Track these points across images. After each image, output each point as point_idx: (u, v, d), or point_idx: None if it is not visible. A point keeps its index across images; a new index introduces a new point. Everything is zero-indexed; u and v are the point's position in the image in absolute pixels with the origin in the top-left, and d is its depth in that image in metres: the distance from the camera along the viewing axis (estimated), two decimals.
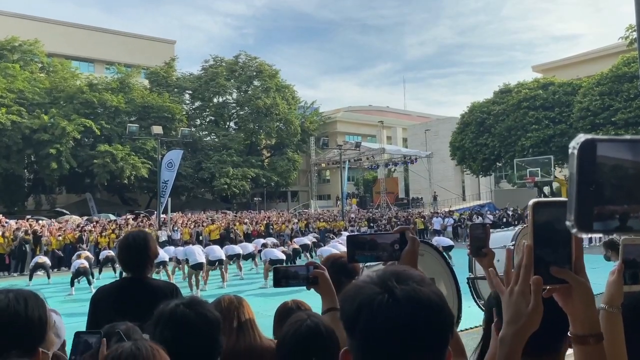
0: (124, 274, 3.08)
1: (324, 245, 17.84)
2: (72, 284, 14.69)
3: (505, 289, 1.04)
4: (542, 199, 1.00)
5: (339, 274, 2.23)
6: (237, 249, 16.46)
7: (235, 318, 2.27)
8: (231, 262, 16.19)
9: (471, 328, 5.01)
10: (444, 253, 3.61)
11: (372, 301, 0.87)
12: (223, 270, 15.08)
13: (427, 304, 0.88)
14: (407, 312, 0.86)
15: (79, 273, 14.78)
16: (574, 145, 0.82)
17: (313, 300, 2.32)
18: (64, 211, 36.71)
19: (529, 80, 38.71)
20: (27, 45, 44.00)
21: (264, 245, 17.86)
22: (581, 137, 0.82)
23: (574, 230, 0.81)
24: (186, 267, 14.88)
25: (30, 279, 16.93)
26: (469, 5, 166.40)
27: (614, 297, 1.20)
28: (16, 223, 23.70)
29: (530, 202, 0.98)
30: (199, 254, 14.05)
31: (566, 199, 0.98)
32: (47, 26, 52.65)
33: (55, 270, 19.49)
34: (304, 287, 1.88)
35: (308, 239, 20.07)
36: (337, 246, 15.21)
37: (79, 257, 15.67)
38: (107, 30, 59.29)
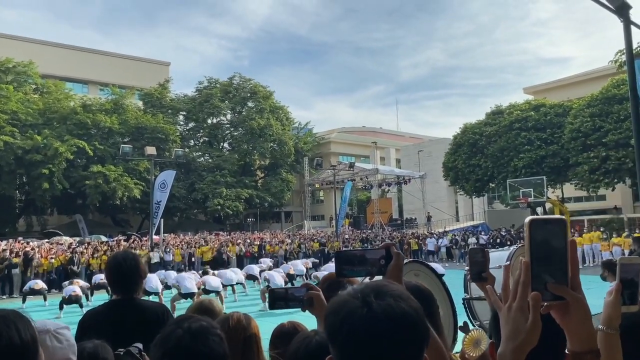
0: (114, 296, 3.01)
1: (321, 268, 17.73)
2: (60, 307, 14.36)
3: (504, 306, 1.05)
4: (538, 216, 1.01)
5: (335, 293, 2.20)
6: (232, 276, 16.30)
7: (242, 339, 2.19)
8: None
9: None
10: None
11: (352, 315, 0.97)
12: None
13: (402, 318, 0.96)
14: (383, 326, 0.95)
15: (70, 300, 14.33)
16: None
17: (308, 323, 2.29)
18: (58, 232, 36.37)
19: (521, 101, 39.14)
20: (22, 66, 44.09)
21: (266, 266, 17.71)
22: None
23: None
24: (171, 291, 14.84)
25: (24, 301, 16.64)
26: (460, 29, 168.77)
27: (612, 317, 1.19)
28: (6, 244, 23.43)
29: (527, 220, 0.99)
30: (190, 281, 13.87)
31: (561, 217, 1.00)
32: (41, 48, 52.88)
33: (47, 292, 19.22)
34: (300, 309, 1.87)
35: (302, 264, 19.77)
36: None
37: (71, 283, 15.36)
38: (102, 52, 59.62)
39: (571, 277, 0.98)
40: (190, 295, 13.53)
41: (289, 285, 17.09)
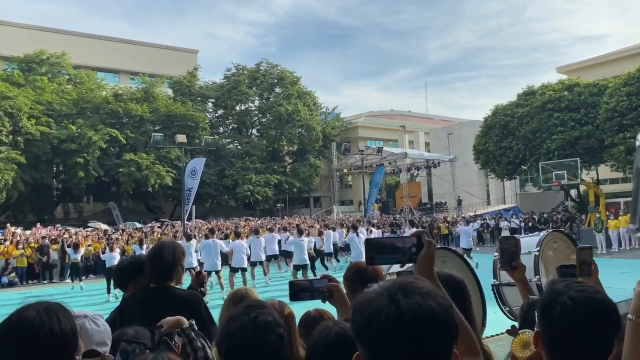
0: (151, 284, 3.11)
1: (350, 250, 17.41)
2: (109, 290, 14.16)
3: None
4: None
5: (364, 283, 2.22)
6: (262, 254, 16.22)
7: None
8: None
9: (497, 335, 4.93)
10: (467, 258, 3.57)
11: (380, 313, 0.97)
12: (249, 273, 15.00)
13: (430, 317, 0.96)
14: (411, 325, 0.95)
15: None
16: None
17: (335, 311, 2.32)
18: (97, 222, 37.30)
19: (554, 81, 38.08)
20: (55, 58, 45.14)
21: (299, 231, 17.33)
22: None
23: (637, 235, 0.70)
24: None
25: (72, 280, 17.40)
26: (491, 8, 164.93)
27: None
28: (46, 231, 24.21)
29: None
30: (217, 255, 13.92)
31: None
32: (73, 39, 53.92)
33: (84, 278, 19.84)
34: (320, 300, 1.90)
35: (336, 236, 19.35)
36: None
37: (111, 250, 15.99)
38: (132, 41, 60.41)
39: None
40: (242, 269, 13.97)
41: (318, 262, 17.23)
